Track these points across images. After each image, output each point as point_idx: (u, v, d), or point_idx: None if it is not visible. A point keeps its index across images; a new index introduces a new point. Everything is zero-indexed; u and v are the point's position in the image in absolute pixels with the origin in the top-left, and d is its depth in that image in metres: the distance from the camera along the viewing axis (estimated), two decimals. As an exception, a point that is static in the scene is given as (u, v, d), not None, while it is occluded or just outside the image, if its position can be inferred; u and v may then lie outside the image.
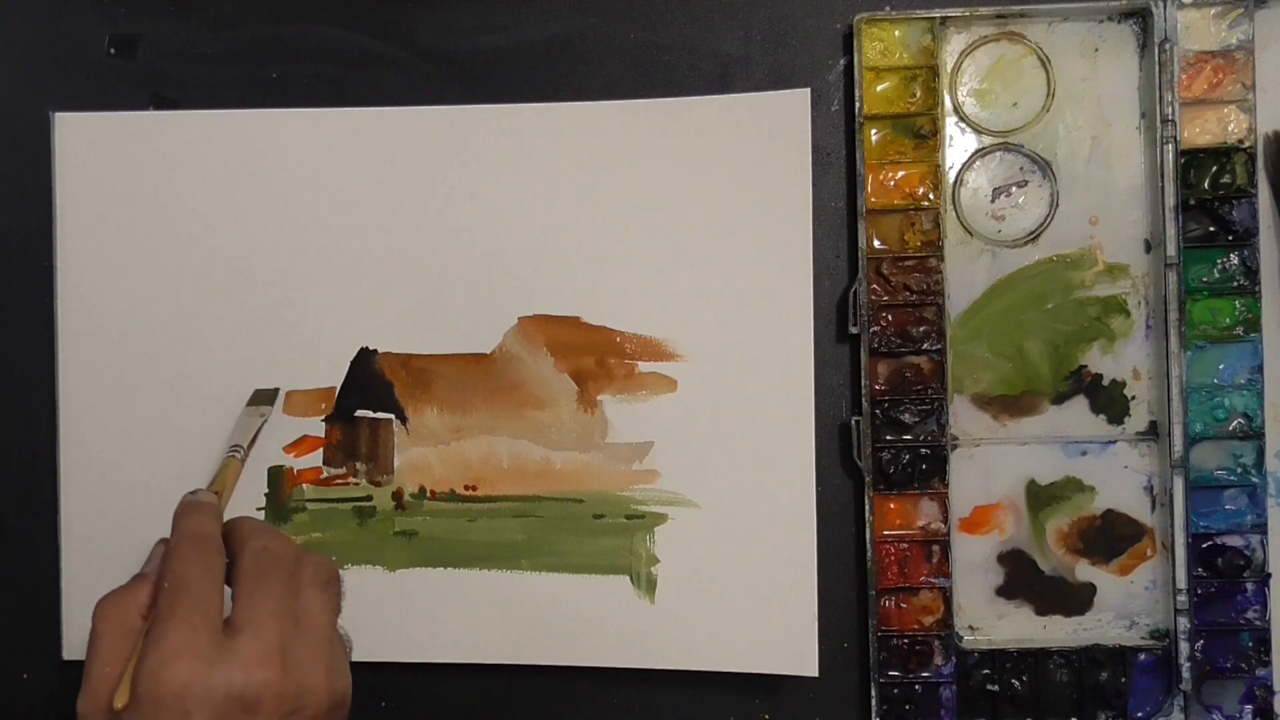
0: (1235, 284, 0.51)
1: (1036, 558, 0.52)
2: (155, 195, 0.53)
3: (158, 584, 0.41)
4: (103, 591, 0.52)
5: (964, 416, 0.52)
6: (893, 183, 0.51)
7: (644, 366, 0.52)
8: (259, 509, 0.52)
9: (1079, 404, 0.52)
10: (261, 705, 0.39)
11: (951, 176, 0.52)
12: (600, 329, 0.52)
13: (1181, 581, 0.50)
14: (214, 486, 0.47)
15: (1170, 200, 0.50)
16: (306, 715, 0.40)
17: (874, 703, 0.51)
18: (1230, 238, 0.51)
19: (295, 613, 0.41)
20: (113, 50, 0.54)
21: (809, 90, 0.51)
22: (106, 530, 0.53)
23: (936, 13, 0.51)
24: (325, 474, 0.53)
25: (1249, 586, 0.51)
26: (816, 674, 0.51)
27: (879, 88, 0.51)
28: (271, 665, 0.39)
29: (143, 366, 0.53)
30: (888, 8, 0.52)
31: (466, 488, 0.52)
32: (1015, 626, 0.52)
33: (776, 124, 0.51)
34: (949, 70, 0.52)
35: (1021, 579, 0.52)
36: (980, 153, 0.52)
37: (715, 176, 0.51)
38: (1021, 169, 0.52)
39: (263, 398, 0.52)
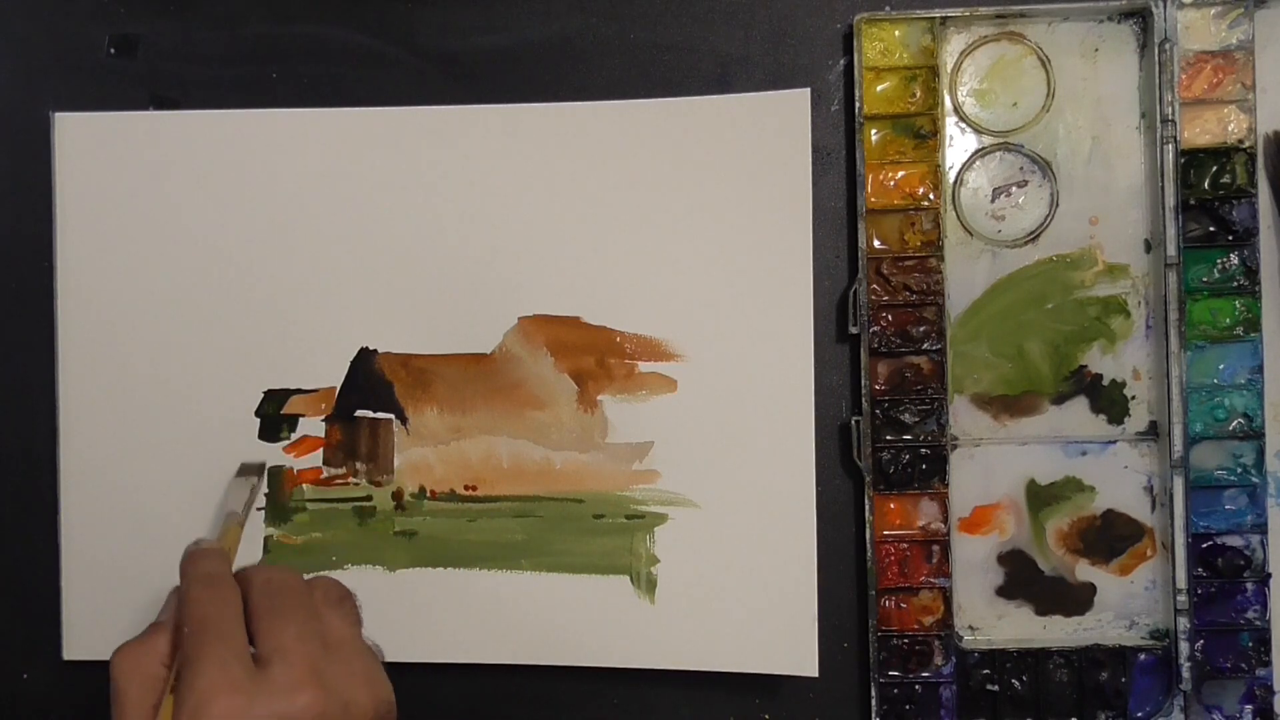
0: (1235, 284, 0.51)
1: (1036, 558, 0.52)
2: (155, 195, 0.53)
3: (176, 631, 0.41)
4: (102, 591, 0.53)
5: (964, 416, 0.52)
6: (893, 183, 0.51)
7: (644, 366, 0.52)
8: (259, 509, 0.52)
9: (1079, 404, 0.52)
10: None
11: (951, 176, 0.52)
12: (600, 329, 0.52)
13: (1181, 581, 0.50)
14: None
15: (1170, 200, 0.50)
16: None
17: (874, 703, 0.51)
18: (1230, 238, 0.51)
19: (319, 634, 0.41)
20: (113, 50, 0.54)
21: (809, 90, 0.51)
22: (106, 530, 0.53)
23: (936, 13, 0.51)
24: (325, 474, 0.53)
25: (1249, 586, 0.51)
26: (816, 674, 0.51)
27: (879, 88, 0.51)
28: (309, 687, 0.39)
29: (143, 366, 0.53)
30: (888, 8, 0.52)
31: (466, 488, 0.52)
32: (1015, 626, 0.52)
33: (776, 124, 0.51)
34: (949, 70, 0.52)
35: (1021, 579, 0.52)
36: (980, 153, 0.52)
37: (715, 176, 0.51)
38: (1021, 169, 0.52)
39: (251, 469, 0.52)
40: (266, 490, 0.52)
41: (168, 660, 0.41)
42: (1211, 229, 0.51)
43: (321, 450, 0.53)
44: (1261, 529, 0.51)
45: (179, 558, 0.49)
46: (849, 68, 0.52)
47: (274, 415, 0.52)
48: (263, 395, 0.52)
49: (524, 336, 0.52)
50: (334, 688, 0.39)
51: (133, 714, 0.40)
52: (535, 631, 0.52)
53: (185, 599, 0.41)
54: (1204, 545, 0.51)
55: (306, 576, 0.43)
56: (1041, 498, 0.52)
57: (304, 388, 0.53)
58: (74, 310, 0.53)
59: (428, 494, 0.52)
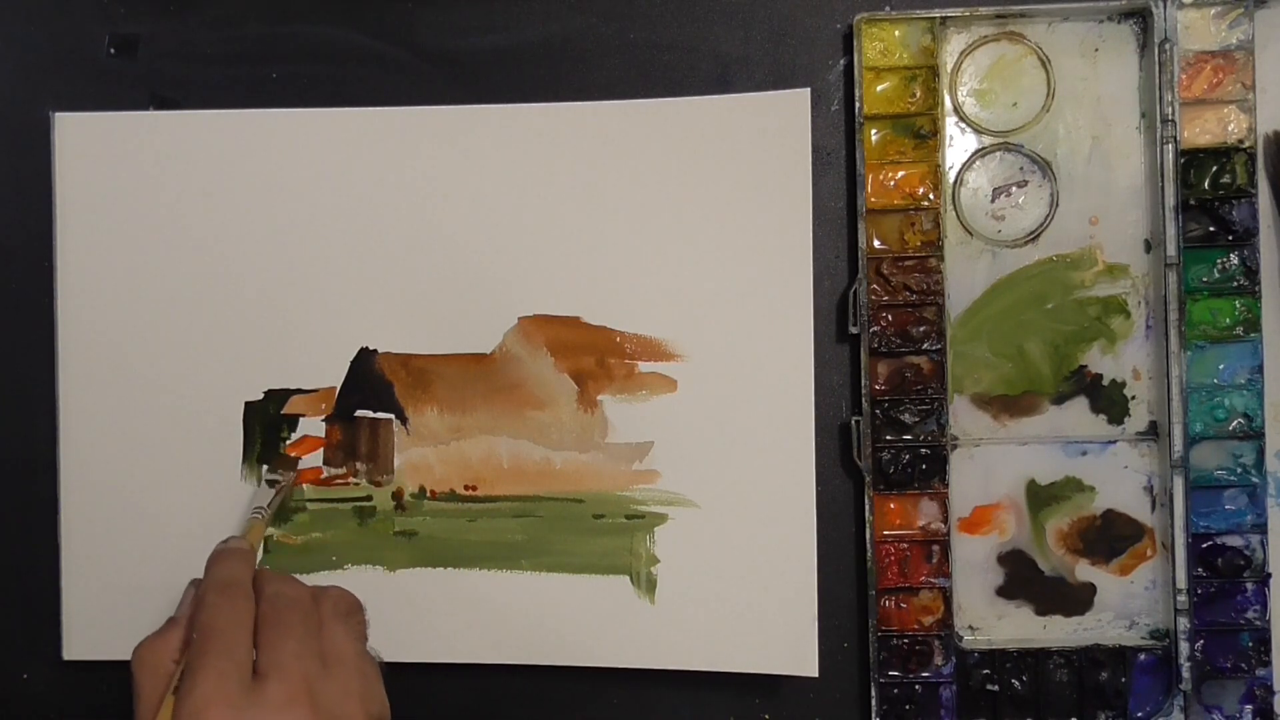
0: (1235, 284, 0.51)
1: (1036, 558, 0.52)
2: (155, 195, 0.53)
3: (189, 627, 0.42)
4: (102, 591, 0.53)
5: (964, 416, 0.52)
6: (893, 183, 0.51)
7: (644, 366, 0.52)
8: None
9: (1079, 404, 0.52)
10: None
11: (951, 176, 0.52)
12: (600, 329, 0.52)
13: (1181, 581, 0.50)
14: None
15: (1170, 200, 0.50)
16: None
17: (874, 703, 0.51)
18: (1230, 238, 0.51)
19: (319, 651, 0.41)
20: (113, 50, 0.54)
21: (809, 90, 0.51)
22: (106, 530, 0.53)
23: (936, 13, 0.51)
24: (325, 474, 0.53)
25: (1249, 586, 0.51)
26: (816, 674, 0.51)
27: (879, 88, 0.51)
28: (300, 706, 0.39)
29: (143, 366, 0.53)
30: (888, 8, 0.52)
31: (466, 488, 0.52)
32: (1015, 626, 0.52)
33: (776, 124, 0.51)
34: (949, 70, 0.52)
35: (1021, 579, 0.52)
36: (980, 153, 0.52)
37: (715, 176, 0.51)
38: (1021, 169, 0.52)
39: (283, 464, 0.52)
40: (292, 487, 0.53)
41: (178, 656, 0.41)
42: (1211, 229, 0.51)
43: (321, 450, 0.53)
44: (1261, 529, 0.51)
45: (178, 557, 0.49)
46: (849, 68, 0.52)
47: (274, 415, 0.53)
48: (263, 395, 0.52)
49: (524, 336, 0.52)
50: (326, 706, 0.40)
51: (146, 709, 0.41)
52: (535, 631, 0.52)
53: (200, 602, 0.42)
54: (1204, 545, 0.51)
55: (320, 586, 0.44)
56: (1041, 498, 0.52)
57: (304, 388, 0.53)
58: (74, 310, 0.53)
59: (428, 494, 0.52)
